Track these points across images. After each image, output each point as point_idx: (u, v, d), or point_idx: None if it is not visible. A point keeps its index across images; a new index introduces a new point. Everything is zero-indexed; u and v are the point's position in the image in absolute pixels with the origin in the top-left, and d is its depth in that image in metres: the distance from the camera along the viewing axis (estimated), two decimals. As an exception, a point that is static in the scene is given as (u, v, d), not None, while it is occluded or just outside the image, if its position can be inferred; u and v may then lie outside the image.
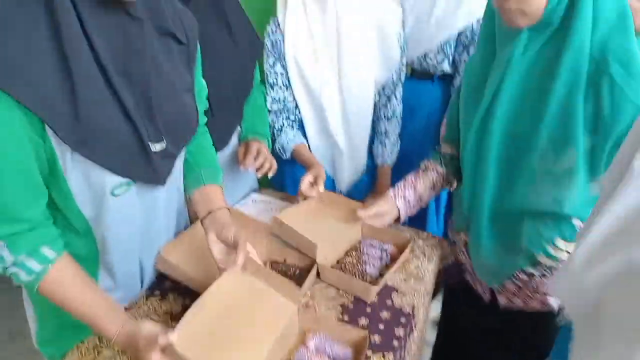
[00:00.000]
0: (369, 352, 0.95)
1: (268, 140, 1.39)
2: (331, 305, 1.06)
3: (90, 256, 0.90)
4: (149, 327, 0.78)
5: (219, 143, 1.25)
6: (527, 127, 0.93)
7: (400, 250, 1.20)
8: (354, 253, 1.19)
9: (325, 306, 1.06)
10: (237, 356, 0.81)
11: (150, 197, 0.92)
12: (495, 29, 0.98)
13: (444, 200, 1.71)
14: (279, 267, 1.12)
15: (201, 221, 0.99)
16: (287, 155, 1.42)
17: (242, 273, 0.92)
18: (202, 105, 1.04)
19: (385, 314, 1.05)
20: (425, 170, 1.25)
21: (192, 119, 0.95)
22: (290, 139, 1.41)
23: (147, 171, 0.85)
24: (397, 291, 1.11)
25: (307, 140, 1.49)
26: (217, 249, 0.95)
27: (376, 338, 0.99)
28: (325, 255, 1.13)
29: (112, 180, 0.81)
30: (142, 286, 1.04)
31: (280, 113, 1.43)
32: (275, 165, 1.31)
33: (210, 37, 1.15)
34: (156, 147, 0.84)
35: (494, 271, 1.10)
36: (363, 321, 1.02)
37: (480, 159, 1.02)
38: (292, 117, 1.46)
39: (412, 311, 1.07)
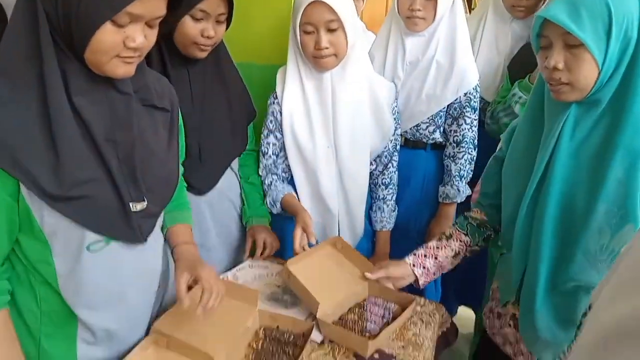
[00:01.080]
0: None
1: (269, 219, 1.52)
2: (328, 375, 1.04)
3: (67, 312, 0.90)
4: None
5: (205, 187, 1.37)
6: (582, 203, 0.92)
7: (404, 308, 1.20)
8: (357, 310, 1.20)
9: (321, 375, 1.03)
10: None
11: (135, 256, 0.94)
12: (544, 101, 0.99)
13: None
14: (272, 334, 1.11)
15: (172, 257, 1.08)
16: (278, 207, 1.47)
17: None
18: (182, 156, 1.13)
19: (383, 384, 1.02)
20: (449, 238, 1.24)
21: (173, 181, 1.02)
22: (279, 191, 1.47)
23: (126, 230, 0.89)
24: (395, 359, 1.09)
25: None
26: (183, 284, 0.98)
27: (374, 409, 0.96)
28: (327, 311, 1.15)
29: (89, 236, 0.84)
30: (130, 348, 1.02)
31: (269, 172, 1.51)
32: (277, 245, 1.44)
33: (209, 94, 1.31)
34: (137, 206, 0.89)
35: (549, 346, 1.04)
36: (360, 391, 1.00)
37: (534, 234, 1.00)
38: (279, 175, 1.52)
39: (411, 381, 1.04)
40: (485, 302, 1.88)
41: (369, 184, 1.55)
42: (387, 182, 1.56)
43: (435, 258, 1.22)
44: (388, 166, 1.55)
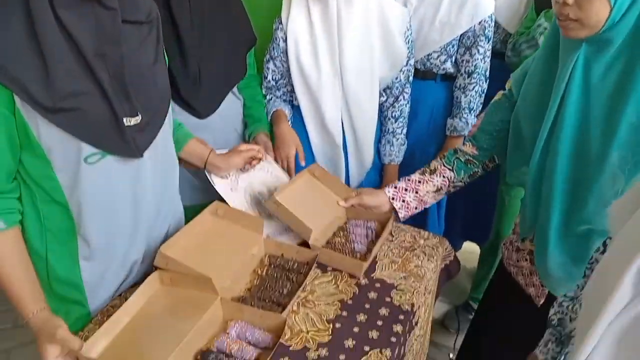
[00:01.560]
0: (367, 348, 0.95)
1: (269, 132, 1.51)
2: (330, 301, 1.06)
3: (68, 229, 0.93)
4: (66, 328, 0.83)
5: (206, 111, 1.37)
6: (596, 148, 0.89)
7: (384, 226, 1.25)
8: (341, 233, 1.25)
9: (324, 302, 1.06)
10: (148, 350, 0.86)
11: (131, 172, 0.95)
12: (560, 42, 0.94)
13: (444, 199, 1.71)
14: (276, 262, 1.13)
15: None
16: (268, 119, 1.49)
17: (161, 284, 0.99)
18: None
19: (383, 311, 1.05)
20: (433, 173, 1.22)
21: (165, 95, 1.02)
22: (275, 105, 1.47)
23: (120, 143, 0.89)
24: (396, 289, 1.11)
25: (307, 136, 1.51)
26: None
27: (374, 334, 0.98)
28: (316, 237, 1.18)
29: (85, 148, 0.86)
30: (128, 274, 1.06)
31: (269, 92, 1.51)
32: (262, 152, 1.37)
33: (209, 16, 1.29)
34: (130, 121, 0.89)
35: (562, 282, 1.04)
36: (361, 317, 1.02)
37: (546, 178, 0.98)
38: (280, 97, 1.51)
39: (412, 309, 1.07)
40: (492, 238, 1.91)
41: (379, 116, 1.51)
42: (397, 115, 1.52)
43: (416, 192, 1.22)
44: (399, 99, 1.50)
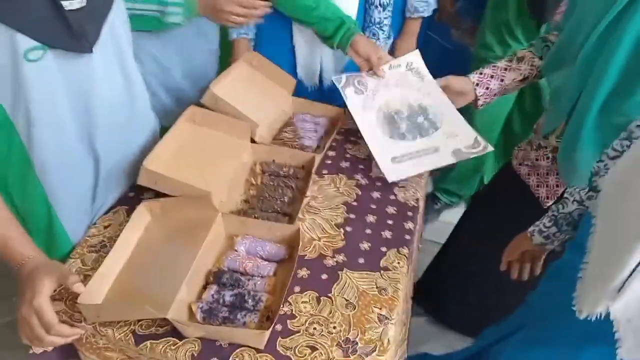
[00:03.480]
0: (384, 249, 0.90)
1: None
2: (334, 205, 0.99)
3: (22, 154, 0.78)
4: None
5: None
6: None
7: (333, 122, 1.21)
8: (288, 128, 1.17)
9: (328, 206, 0.98)
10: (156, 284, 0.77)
11: (79, 69, 0.78)
12: None
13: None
14: (269, 168, 1.02)
15: None
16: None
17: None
18: None
19: (391, 210, 0.99)
20: (520, 60, 1.13)
21: None
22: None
23: (63, 35, 0.73)
24: (398, 186, 1.06)
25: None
26: None
27: (387, 234, 0.94)
28: (262, 133, 1.11)
29: (22, 41, 0.70)
30: (95, 190, 0.92)
31: None
32: None
33: None
34: (73, 4, 0.72)
35: (584, 178, 0.98)
36: (370, 218, 0.96)
37: (601, 61, 0.91)
38: None
39: (417, 203, 1.02)
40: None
41: (362, 4, 1.30)
42: (385, 3, 1.32)
43: (502, 80, 1.13)
44: None
